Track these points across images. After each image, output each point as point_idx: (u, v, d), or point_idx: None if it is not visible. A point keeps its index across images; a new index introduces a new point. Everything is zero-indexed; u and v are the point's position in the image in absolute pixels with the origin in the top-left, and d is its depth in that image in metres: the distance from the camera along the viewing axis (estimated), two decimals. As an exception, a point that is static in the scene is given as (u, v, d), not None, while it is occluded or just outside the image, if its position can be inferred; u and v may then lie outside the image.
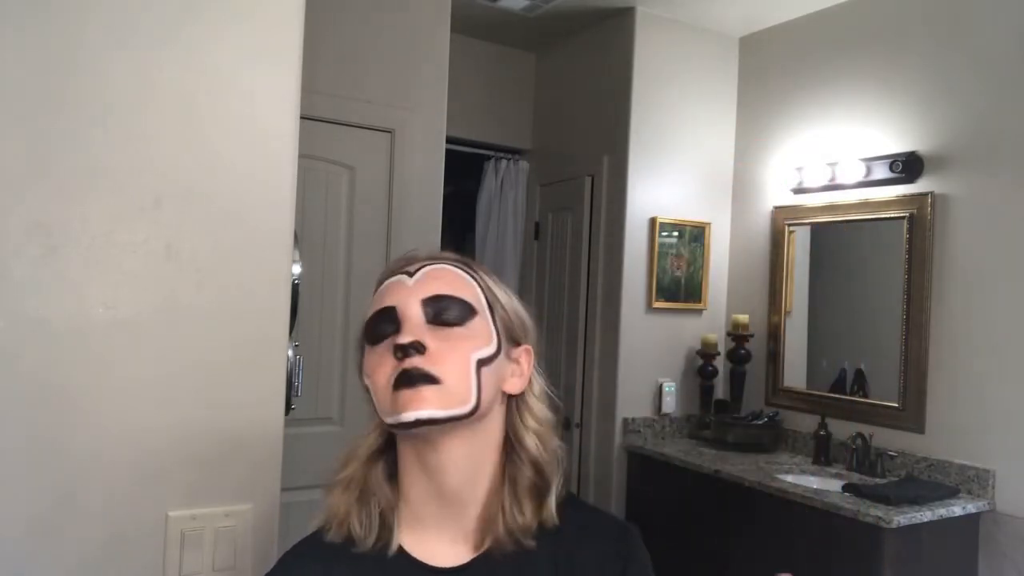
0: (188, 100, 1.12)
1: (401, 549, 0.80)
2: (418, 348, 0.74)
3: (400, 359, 0.74)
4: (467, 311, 0.79)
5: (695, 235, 3.43)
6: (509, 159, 3.91)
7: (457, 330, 0.77)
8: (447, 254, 0.85)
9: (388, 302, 0.79)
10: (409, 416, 0.73)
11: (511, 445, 0.82)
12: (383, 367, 0.76)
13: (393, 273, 0.83)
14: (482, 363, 0.77)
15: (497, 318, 0.81)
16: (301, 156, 1.23)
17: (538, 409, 0.84)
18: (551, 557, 0.81)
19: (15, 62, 1.01)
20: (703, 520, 2.80)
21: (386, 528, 0.79)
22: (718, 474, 2.74)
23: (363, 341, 0.81)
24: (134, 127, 1.09)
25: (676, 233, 3.38)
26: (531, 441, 0.82)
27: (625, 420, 3.28)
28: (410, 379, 0.73)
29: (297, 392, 1.33)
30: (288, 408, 1.24)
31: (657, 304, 3.33)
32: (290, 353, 1.24)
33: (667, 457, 3.01)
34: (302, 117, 1.23)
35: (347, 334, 2.54)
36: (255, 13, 1.17)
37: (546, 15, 3.40)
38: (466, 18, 3.23)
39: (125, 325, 1.08)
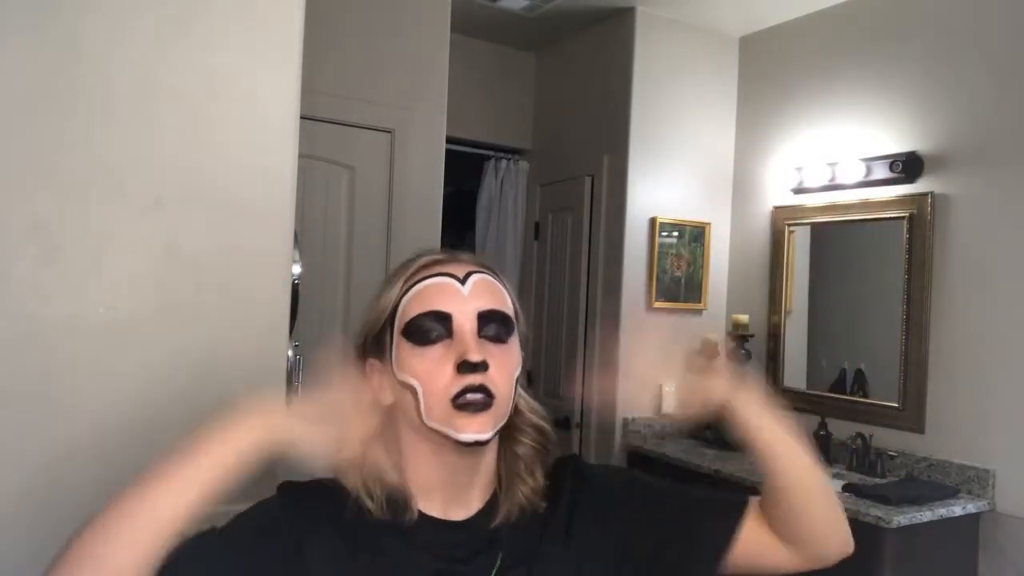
0: (189, 101, 1.12)
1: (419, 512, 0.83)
2: (485, 367, 0.78)
3: (463, 374, 0.78)
4: (511, 328, 0.84)
5: (695, 235, 3.43)
6: (509, 159, 3.91)
7: (502, 347, 0.82)
8: (479, 257, 0.88)
9: (442, 307, 0.81)
10: (469, 438, 0.78)
11: (509, 425, 0.85)
12: (440, 375, 0.79)
13: (432, 270, 0.83)
14: (518, 381, 0.84)
15: (520, 331, 0.86)
16: (301, 156, 1.23)
17: (526, 395, 0.90)
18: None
19: (17, 63, 1.01)
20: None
21: (403, 503, 0.82)
22: (718, 474, 2.74)
23: (400, 337, 0.82)
24: (135, 128, 1.09)
25: (676, 233, 3.38)
26: (532, 417, 0.89)
27: (625, 420, 3.28)
28: (474, 404, 0.78)
29: (297, 392, 1.33)
30: (288, 408, 1.24)
31: (657, 304, 3.33)
32: (290, 353, 1.24)
33: (667, 457, 3.01)
34: (302, 117, 1.23)
35: (347, 334, 2.54)
36: (256, 14, 1.17)
37: (546, 15, 3.40)
38: (466, 18, 3.22)
39: (125, 325, 1.08)
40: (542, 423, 0.89)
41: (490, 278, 0.85)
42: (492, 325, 0.82)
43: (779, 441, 0.86)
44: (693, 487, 0.95)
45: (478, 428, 0.78)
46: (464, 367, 0.78)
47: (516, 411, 0.86)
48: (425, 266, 0.84)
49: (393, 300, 0.83)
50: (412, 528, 0.82)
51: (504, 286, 0.86)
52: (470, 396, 0.78)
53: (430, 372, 0.79)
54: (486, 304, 0.82)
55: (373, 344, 0.85)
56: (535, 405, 0.90)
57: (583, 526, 0.87)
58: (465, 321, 0.80)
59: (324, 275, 2.52)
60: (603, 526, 0.88)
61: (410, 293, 0.82)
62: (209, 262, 1.14)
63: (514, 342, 0.84)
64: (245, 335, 1.17)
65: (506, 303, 0.85)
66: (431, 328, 0.80)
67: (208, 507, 0.73)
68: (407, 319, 0.81)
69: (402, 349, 0.81)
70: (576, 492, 0.90)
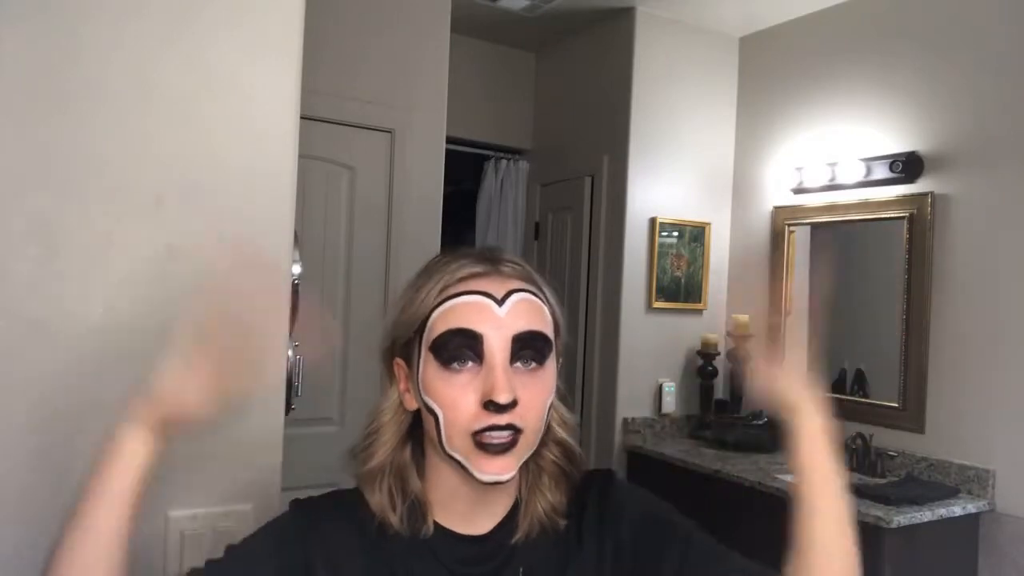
0: (189, 100, 1.12)
1: (436, 524, 0.82)
2: (514, 406, 0.75)
3: (489, 412, 0.74)
4: (548, 350, 0.80)
5: (695, 235, 3.43)
6: (509, 159, 3.92)
7: (535, 373, 0.78)
8: (523, 270, 0.82)
9: (474, 326, 0.76)
10: (489, 478, 0.75)
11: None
12: (464, 406, 0.75)
13: (469, 286, 0.78)
14: (551, 406, 0.81)
15: (559, 343, 0.83)
16: (301, 156, 1.23)
17: (559, 405, 0.86)
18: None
19: (16, 62, 1.01)
20: (702, 520, 2.79)
21: (420, 515, 0.81)
22: (718, 474, 2.74)
23: (428, 352, 0.78)
24: (135, 127, 1.09)
25: (676, 233, 3.38)
26: (560, 432, 0.86)
27: (625, 420, 3.28)
28: (498, 445, 0.75)
29: (297, 392, 1.33)
30: (288, 408, 1.24)
31: (657, 304, 3.33)
32: (290, 353, 1.24)
33: (667, 457, 3.01)
34: (302, 117, 1.23)
35: (347, 334, 2.54)
36: (255, 13, 1.17)
37: (546, 15, 3.40)
38: (466, 18, 3.23)
39: (125, 325, 1.08)
40: (569, 440, 0.86)
41: (531, 297, 0.80)
42: (526, 349, 0.77)
43: (823, 492, 0.81)
44: (727, 550, 0.91)
45: (499, 469, 0.75)
46: (490, 407, 0.74)
47: (546, 426, 0.83)
48: (463, 279, 0.79)
49: (424, 312, 0.79)
50: (430, 542, 0.80)
51: (546, 302, 0.82)
52: (495, 434, 0.74)
53: (455, 401, 0.75)
54: (523, 325, 0.77)
55: (402, 349, 0.83)
56: (567, 417, 0.86)
57: (617, 558, 0.84)
58: (497, 346, 0.76)
59: (324, 275, 2.52)
60: (636, 560, 0.84)
61: (442, 308, 0.78)
62: (209, 262, 1.14)
63: (550, 363, 0.80)
64: (245, 335, 1.16)
65: (546, 322, 0.80)
66: (459, 353, 0.76)
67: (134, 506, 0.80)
68: (436, 334, 0.77)
69: (428, 367, 0.78)
70: (606, 515, 0.86)
